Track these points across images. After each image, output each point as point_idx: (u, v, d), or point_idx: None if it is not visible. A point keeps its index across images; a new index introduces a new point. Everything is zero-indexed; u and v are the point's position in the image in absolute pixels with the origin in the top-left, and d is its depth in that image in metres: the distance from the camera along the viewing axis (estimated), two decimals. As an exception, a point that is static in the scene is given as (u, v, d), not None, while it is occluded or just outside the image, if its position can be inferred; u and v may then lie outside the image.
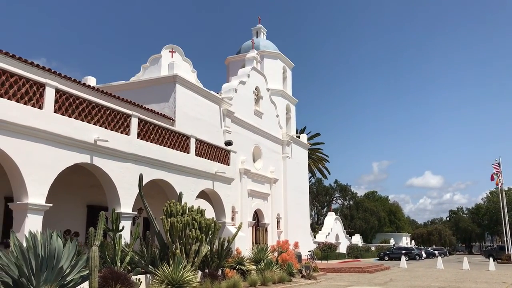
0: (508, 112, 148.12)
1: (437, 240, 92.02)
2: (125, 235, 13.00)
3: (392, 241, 74.66)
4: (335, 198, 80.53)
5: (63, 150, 12.00)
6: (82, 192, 16.89)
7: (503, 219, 45.75)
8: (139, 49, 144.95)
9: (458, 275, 23.66)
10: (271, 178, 31.66)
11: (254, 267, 16.70)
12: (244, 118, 28.48)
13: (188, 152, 17.78)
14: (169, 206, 13.64)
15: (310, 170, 53.89)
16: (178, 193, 15.53)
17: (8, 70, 10.82)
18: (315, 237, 44.26)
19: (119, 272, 10.35)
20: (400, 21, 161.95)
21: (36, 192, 11.07)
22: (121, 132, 14.24)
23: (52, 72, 16.80)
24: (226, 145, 22.72)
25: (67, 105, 12.32)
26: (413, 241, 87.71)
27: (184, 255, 13.00)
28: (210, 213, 18.54)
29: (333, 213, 53.51)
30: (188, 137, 17.98)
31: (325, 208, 73.56)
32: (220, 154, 20.33)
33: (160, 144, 16.13)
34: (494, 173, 44.97)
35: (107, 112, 13.80)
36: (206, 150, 19.18)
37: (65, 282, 8.34)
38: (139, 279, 11.50)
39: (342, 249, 48.72)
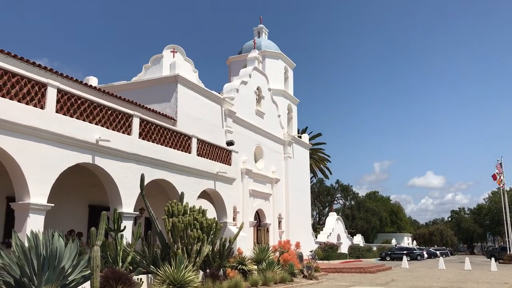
0: (511, 111, 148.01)
1: (438, 241, 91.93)
2: (127, 235, 13.00)
3: (393, 241, 74.60)
4: (336, 198, 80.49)
5: (64, 150, 12.02)
6: (83, 192, 16.92)
7: (505, 219, 45.71)
8: (140, 49, 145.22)
9: (460, 276, 23.62)
10: (273, 178, 31.65)
11: (255, 267, 16.70)
12: (245, 118, 28.47)
13: (189, 152, 17.78)
14: (171, 206, 13.65)
15: (312, 170, 53.87)
16: (180, 193, 15.54)
17: (10, 70, 10.84)
18: (316, 237, 44.24)
19: (120, 272, 10.35)
20: (400, 20, 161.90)
21: (38, 192, 11.08)
22: (123, 132, 14.25)
23: (54, 72, 16.82)
24: (227, 145, 22.72)
25: (68, 105, 12.33)
26: (414, 241, 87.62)
27: (186, 255, 13.00)
28: (211, 213, 18.53)
29: (335, 213, 53.51)
30: (189, 137, 17.98)
31: (327, 208, 73.49)
32: (222, 154, 20.33)
33: (161, 144, 16.14)
34: (496, 172, 44.94)
35: (109, 112, 13.81)
36: (208, 150, 19.18)
37: (67, 282, 8.35)
38: (141, 279, 11.50)
39: (344, 249, 48.71)
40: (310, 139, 44.19)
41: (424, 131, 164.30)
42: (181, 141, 17.38)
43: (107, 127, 13.59)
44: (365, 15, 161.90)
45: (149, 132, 15.56)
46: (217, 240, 14.87)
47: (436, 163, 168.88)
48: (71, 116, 12.34)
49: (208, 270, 14.10)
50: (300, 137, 38.86)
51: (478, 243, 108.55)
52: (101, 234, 10.06)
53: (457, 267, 32.68)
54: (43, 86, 11.56)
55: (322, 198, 75.98)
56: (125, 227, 12.59)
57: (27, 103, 11.04)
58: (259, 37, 37.68)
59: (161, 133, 16.29)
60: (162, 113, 21.01)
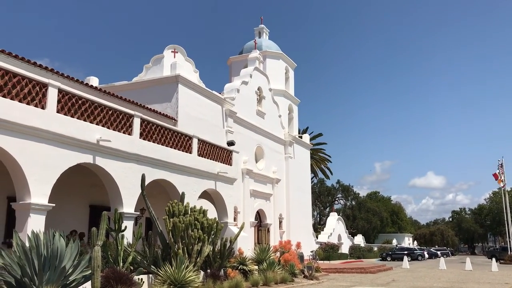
0: (511, 111, 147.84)
1: (439, 241, 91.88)
2: (128, 235, 13.00)
3: (394, 242, 74.56)
4: (337, 199, 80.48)
5: (65, 150, 12.03)
6: (84, 192, 16.93)
7: (505, 219, 45.68)
8: (141, 50, 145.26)
9: (460, 276, 23.61)
10: (274, 178, 31.65)
11: (256, 267, 16.70)
12: (246, 118, 28.48)
13: (190, 152, 17.79)
14: (172, 206, 13.66)
15: (313, 170, 53.84)
16: (181, 193, 15.54)
17: (11, 70, 10.85)
18: (317, 238, 44.23)
19: (121, 272, 10.36)
20: (401, 20, 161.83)
21: (39, 192, 11.09)
22: (124, 132, 14.26)
23: (55, 72, 16.83)
24: (228, 145, 22.73)
25: (69, 105, 12.34)
26: (415, 242, 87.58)
27: (187, 255, 13.01)
28: (212, 213, 18.55)
29: (336, 213, 53.49)
30: (190, 137, 17.99)
31: (328, 209, 73.45)
32: (223, 154, 20.34)
33: (162, 144, 16.14)
34: (498, 172, 44.92)
35: (110, 112, 13.82)
36: (209, 150, 19.19)
37: (68, 282, 8.36)
38: (142, 279, 11.50)
39: (345, 249, 48.70)
40: (311, 139, 44.19)
41: (425, 131, 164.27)
42: (182, 141, 17.38)
43: (108, 127, 13.60)
44: (366, 15, 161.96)
45: (150, 132, 15.56)
46: (218, 240, 14.87)
47: (437, 163, 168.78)
48: (72, 116, 12.35)
49: (208, 270, 14.10)
50: (301, 137, 38.86)
51: (479, 244, 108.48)
52: (102, 234, 10.06)
53: (458, 268, 32.66)
54: (44, 86, 11.57)
55: (323, 198, 75.97)
56: (126, 227, 12.60)
57: (28, 103, 11.05)
58: (260, 37, 37.69)
59: (162, 133, 16.30)
60: (163, 113, 21.02)
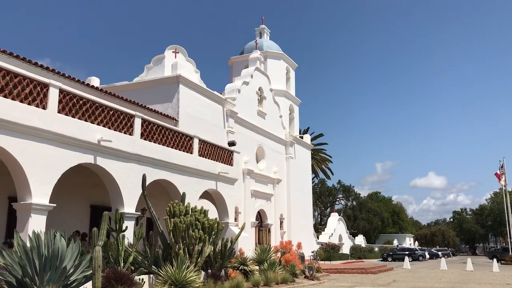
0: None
1: (440, 241, 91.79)
2: (128, 235, 13.01)
3: (395, 242, 74.49)
4: (338, 199, 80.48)
5: (66, 150, 12.04)
6: (85, 192, 16.95)
7: (507, 220, 45.60)
8: (142, 50, 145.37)
9: (461, 276, 23.60)
10: (274, 179, 31.66)
11: (257, 267, 16.69)
12: (247, 119, 28.48)
13: (191, 153, 17.80)
14: (172, 206, 13.66)
15: (313, 171, 53.82)
16: (181, 194, 15.54)
17: (12, 71, 10.86)
18: (318, 238, 44.22)
19: (122, 272, 10.37)
20: (401, 18, 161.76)
21: (40, 192, 11.10)
22: (125, 133, 14.27)
23: (56, 72, 16.84)
24: (229, 146, 22.73)
25: (70, 105, 12.35)
26: (416, 242, 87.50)
27: (187, 255, 13.01)
28: (213, 214, 18.55)
29: (336, 213, 53.46)
30: (191, 138, 18.00)
31: (328, 209, 73.44)
32: (223, 154, 20.34)
33: (163, 145, 16.15)
34: (499, 172, 44.87)
35: (111, 113, 13.82)
36: (209, 150, 19.19)
37: (69, 282, 8.36)
38: (142, 279, 11.51)
39: (345, 249, 48.69)
40: (311, 140, 44.19)
41: (426, 131, 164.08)
42: (182, 142, 17.39)
43: (109, 128, 13.61)
44: (366, 15, 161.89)
45: (150, 132, 15.57)
46: (219, 240, 14.87)
47: (438, 163, 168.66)
48: (73, 117, 12.36)
49: (209, 271, 14.10)
50: (301, 137, 38.87)
51: (480, 244, 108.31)
52: (103, 234, 10.06)
53: (459, 268, 32.64)
54: (45, 86, 11.58)
55: (324, 198, 75.96)
56: (126, 227, 12.61)
57: (29, 104, 11.07)
58: (261, 38, 37.69)
59: (163, 133, 16.31)
60: (164, 114, 21.03)
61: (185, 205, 13.99)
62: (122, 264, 11.69)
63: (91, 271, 9.01)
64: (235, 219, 22.00)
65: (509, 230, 44.90)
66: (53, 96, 11.72)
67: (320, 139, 57.28)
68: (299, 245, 21.31)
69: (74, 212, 16.39)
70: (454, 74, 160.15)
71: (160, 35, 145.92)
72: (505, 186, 46.09)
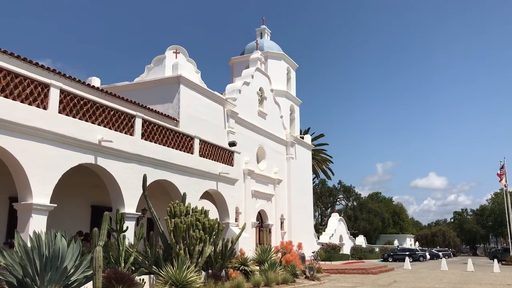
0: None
1: (441, 242, 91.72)
2: (129, 236, 13.02)
3: (396, 242, 74.52)
4: (339, 199, 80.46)
5: (67, 150, 12.05)
6: (86, 193, 16.95)
7: (507, 220, 45.56)
8: (143, 50, 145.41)
9: (462, 277, 23.59)
10: (275, 179, 31.66)
11: (257, 268, 16.70)
12: (248, 119, 28.48)
13: (192, 153, 17.80)
14: (173, 206, 13.66)
15: (314, 171, 53.81)
16: (182, 194, 15.54)
17: (13, 71, 10.87)
18: (318, 238, 44.23)
19: (123, 273, 10.37)
20: (401, 16, 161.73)
21: (41, 192, 11.11)
22: (125, 133, 14.27)
23: (57, 72, 16.86)
24: (230, 146, 22.73)
25: (71, 105, 12.36)
26: (417, 243, 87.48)
27: (188, 255, 13.02)
28: (213, 214, 18.55)
29: (337, 214, 53.48)
30: (192, 138, 18.00)
31: (329, 209, 73.47)
32: (224, 155, 20.35)
33: (164, 145, 16.16)
34: (500, 172, 44.85)
35: (111, 113, 13.83)
36: (210, 150, 19.20)
37: (69, 282, 8.37)
38: (143, 279, 11.52)
39: (346, 250, 48.68)
40: (312, 140, 44.17)
41: (427, 131, 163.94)
42: (183, 142, 17.40)
43: (110, 128, 13.62)
44: (366, 15, 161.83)
45: (151, 132, 15.58)
46: (219, 240, 14.88)
47: (438, 164, 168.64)
48: (74, 117, 12.37)
49: (210, 271, 14.11)
50: (302, 138, 38.86)
51: (481, 245, 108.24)
52: (104, 234, 10.07)
53: (459, 268, 32.62)
54: (46, 86, 11.59)
55: (325, 199, 75.95)
56: (127, 227, 12.62)
57: (30, 104, 11.08)
58: (261, 38, 37.70)
59: (164, 133, 16.32)
60: (165, 114, 21.04)
61: (185, 205, 14.00)
62: (122, 264, 11.70)
63: (91, 271, 9.02)
64: (236, 220, 21.99)
65: (510, 230, 44.87)
66: (54, 96, 11.73)
67: (320, 139, 57.27)
68: (299, 246, 21.30)
69: (75, 212, 16.39)
70: (454, 73, 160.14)
71: (161, 35, 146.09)
72: (505, 186, 46.07)
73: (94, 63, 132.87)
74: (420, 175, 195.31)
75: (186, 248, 13.12)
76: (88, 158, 12.74)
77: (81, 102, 12.73)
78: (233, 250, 15.73)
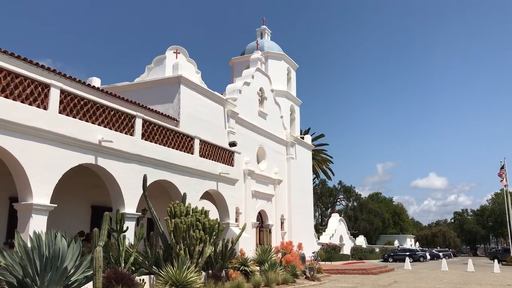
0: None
1: (441, 242, 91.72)
2: (129, 236, 13.01)
3: (396, 243, 74.46)
4: (339, 199, 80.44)
5: (67, 150, 12.05)
6: (86, 193, 16.96)
7: (508, 221, 45.53)
8: (143, 50, 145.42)
9: (462, 277, 23.58)
10: (275, 179, 31.65)
11: (257, 268, 16.70)
12: (248, 119, 28.48)
13: (192, 153, 17.80)
14: (173, 207, 13.66)
15: (314, 171, 53.80)
16: (182, 194, 15.55)
17: (14, 71, 10.87)
18: (319, 238, 44.22)
19: (123, 273, 10.37)
20: (401, 15, 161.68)
21: (41, 192, 11.11)
22: (126, 133, 14.27)
23: (57, 73, 16.86)
24: (230, 146, 22.73)
25: (71, 106, 12.36)
26: (417, 243, 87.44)
27: (188, 256, 13.01)
28: (214, 214, 18.55)
29: (337, 214, 53.47)
30: (192, 138, 18.00)
31: (329, 209, 73.46)
32: (224, 155, 20.34)
33: (164, 145, 16.16)
34: (501, 173, 44.84)
35: (112, 113, 13.83)
36: (210, 151, 19.20)
37: (69, 283, 8.37)
38: (143, 279, 11.51)
39: (346, 250, 48.67)
40: (312, 140, 44.17)
41: (427, 132, 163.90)
42: (183, 142, 17.40)
43: (110, 128, 13.62)
44: (365, 15, 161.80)
45: (151, 133, 15.58)
46: (220, 241, 14.88)
47: (439, 164, 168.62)
48: (74, 117, 12.37)
49: (210, 271, 14.11)
50: (302, 138, 38.86)
51: (481, 245, 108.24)
52: (104, 234, 10.07)
53: (460, 269, 32.60)
54: (46, 86, 11.60)
55: (325, 199, 75.93)
56: (127, 227, 12.61)
57: (30, 104, 11.08)
58: (262, 38, 37.71)
59: (164, 134, 16.32)
60: (165, 114, 21.04)
61: (185, 205, 14.00)
62: (123, 265, 11.69)
63: (92, 272, 9.02)
64: (236, 220, 22.00)
65: (510, 231, 44.85)
66: (54, 96, 11.73)
67: (321, 139, 57.27)
68: (299, 246, 21.30)
69: (75, 212, 16.39)
70: (454, 73, 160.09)
71: (161, 35, 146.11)
72: (506, 186, 46.05)
73: (94, 63, 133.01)
74: (420, 176, 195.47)
75: (186, 249, 13.12)
76: (88, 158, 12.74)
77: (82, 102, 12.73)
78: (233, 251, 15.73)
